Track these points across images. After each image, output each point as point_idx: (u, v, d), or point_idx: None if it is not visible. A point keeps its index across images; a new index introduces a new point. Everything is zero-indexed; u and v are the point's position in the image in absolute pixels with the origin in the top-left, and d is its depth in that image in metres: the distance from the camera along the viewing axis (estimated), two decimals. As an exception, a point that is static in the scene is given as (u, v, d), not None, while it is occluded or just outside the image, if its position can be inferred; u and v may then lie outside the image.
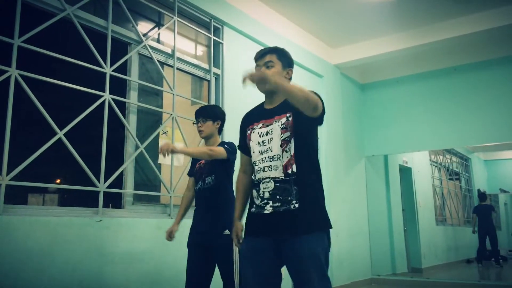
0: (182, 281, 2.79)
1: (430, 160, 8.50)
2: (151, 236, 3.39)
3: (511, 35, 5.54)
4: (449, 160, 9.09)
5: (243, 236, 2.17)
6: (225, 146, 2.70)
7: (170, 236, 2.87)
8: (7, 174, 2.72)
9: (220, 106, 4.31)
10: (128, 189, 3.50)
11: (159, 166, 3.82)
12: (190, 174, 3.00)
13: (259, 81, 1.80)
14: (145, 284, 3.28)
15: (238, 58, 4.65)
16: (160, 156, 3.78)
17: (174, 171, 3.81)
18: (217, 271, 2.75)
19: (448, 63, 6.50)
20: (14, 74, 2.81)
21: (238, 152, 2.35)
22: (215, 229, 2.68)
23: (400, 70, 6.87)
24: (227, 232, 2.62)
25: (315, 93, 1.93)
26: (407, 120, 6.76)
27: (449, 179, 9.11)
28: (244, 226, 2.15)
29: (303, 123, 1.94)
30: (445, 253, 8.41)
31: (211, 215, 2.72)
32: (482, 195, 8.32)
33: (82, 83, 3.19)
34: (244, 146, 2.16)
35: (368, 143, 7.08)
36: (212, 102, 4.33)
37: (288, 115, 1.97)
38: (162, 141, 3.88)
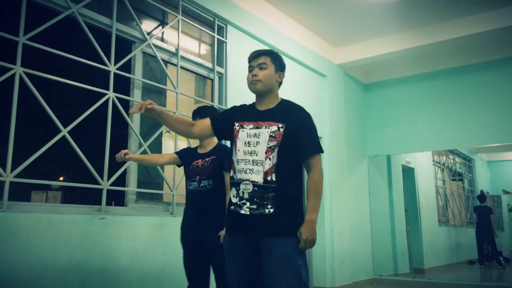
0: (184, 278, 2.80)
1: (433, 160, 8.48)
2: (154, 234, 3.40)
3: (516, 35, 5.53)
4: (452, 161, 9.07)
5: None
6: (224, 151, 2.76)
7: (122, 154, 2.78)
8: (11, 171, 2.73)
9: (224, 105, 4.32)
10: (131, 187, 3.52)
11: (162, 165, 3.83)
12: (178, 154, 3.00)
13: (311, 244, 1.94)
14: (148, 281, 3.29)
15: (242, 57, 4.64)
16: (165, 152, 3.82)
17: (177, 170, 3.82)
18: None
19: (452, 64, 6.48)
20: (19, 72, 2.83)
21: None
22: (208, 232, 2.71)
23: (404, 70, 6.86)
24: (222, 233, 2.65)
25: (314, 134, 2.05)
26: (410, 120, 6.74)
27: (452, 179, 9.09)
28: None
29: (293, 138, 1.98)
30: (447, 254, 8.41)
31: (205, 218, 2.75)
32: (481, 196, 8.30)
33: (86, 81, 3.20)
34: (220, 124, 2.17)
35: (371, 143, 7.07)
36: (216, 101, 4.33)
37: (280, 125, 2.00)
38: (167, 139, 3.89)
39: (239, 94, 4.42)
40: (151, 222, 3.43)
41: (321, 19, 5.52)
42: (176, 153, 3.04)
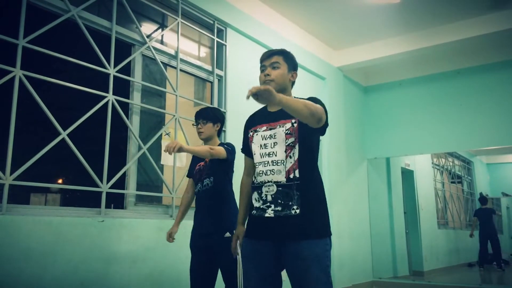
0: (183, 281, 2.80)
1: (433, 163, 8.48)
2: (153, 236, 3.40)
3: (514, 38, 5.53)
4: (451, 163, 9.07)
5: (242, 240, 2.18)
6: (225, 146, 2.73)
7: (170, 237, 2.88)
8: (11, 174, 2.73)
9: (223, 107, 4.32)
10: (131, 189, 3.51)
11: (161, 167, 3.83)
12: (189, 175, 3.01)
13: (263, 95, 1.71)
14: (147, 284, 3.28)
15: (241, 60, 4.66)
16: (165, 155, 3.80)
17: (176, 172, 3.82)
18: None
19: (451, 66, 6.49)
20: (19, 75, 2.83)
21: (240, 155, 2.36)
22: (216, 232, 2.68)
23: (403, 73, 6.86)
24: (228, 235, 2.64)
25: (320, 102, 1.96)
26: (409, 123, 6.75)
27: (451, 182, 9.09)
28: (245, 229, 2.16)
29: (307, 130, 1.96)
30: (447, 256, 8.39)
31: (212, 217, 2.73)
32: (482, 198, 8.30)
33: (86, 84, 3.20)
34: (248, 148, 2.17)
35: (371, 146, 7.07)
36: (215, 104, 4.34)
37: (293, 121, 1.99)
38: (167, 141, 3.89)
39: (238, 96, 4.42)
40: (151, 225, 3.43)
41: (321, 22, 5.53)
42: (188, 175, 3.02)
